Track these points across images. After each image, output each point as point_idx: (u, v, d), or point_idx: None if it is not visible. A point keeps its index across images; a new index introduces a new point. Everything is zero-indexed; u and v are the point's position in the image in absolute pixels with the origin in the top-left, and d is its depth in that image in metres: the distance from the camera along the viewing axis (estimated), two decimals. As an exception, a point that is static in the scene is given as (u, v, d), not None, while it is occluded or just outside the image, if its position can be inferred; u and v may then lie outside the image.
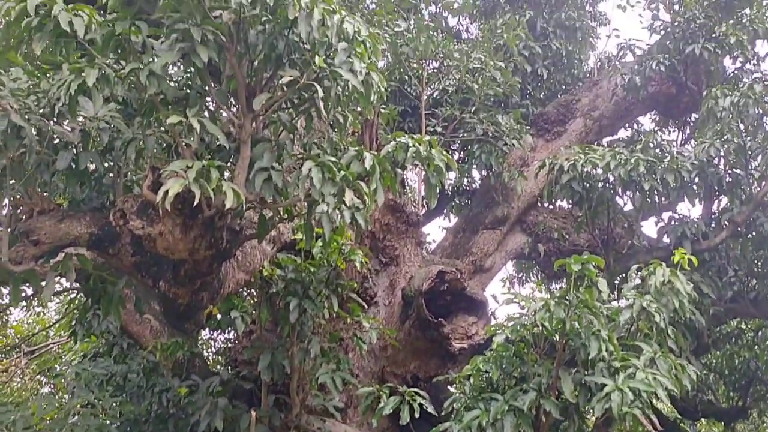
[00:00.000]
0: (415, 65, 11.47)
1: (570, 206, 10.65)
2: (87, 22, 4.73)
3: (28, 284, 6.33)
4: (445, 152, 5.65)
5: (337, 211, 5.22)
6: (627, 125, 12.24)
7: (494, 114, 10.44)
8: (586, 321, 5.74)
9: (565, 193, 9.12)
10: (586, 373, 5.70)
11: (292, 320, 6.72)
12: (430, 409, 6.24)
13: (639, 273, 6.57)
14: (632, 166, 8.50)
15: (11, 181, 5.55)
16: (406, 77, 11.40)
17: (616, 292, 8.86)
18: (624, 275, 9.23)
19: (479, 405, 5.91)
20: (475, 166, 10.91)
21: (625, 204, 9.88)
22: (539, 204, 10.97)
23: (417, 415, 6.22)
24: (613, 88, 11.00)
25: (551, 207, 10.97)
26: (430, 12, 13.66)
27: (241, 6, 4.90)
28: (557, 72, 11.88)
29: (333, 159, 5.21)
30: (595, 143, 10.64)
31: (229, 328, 11.39)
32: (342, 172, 5.11)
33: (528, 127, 10.81)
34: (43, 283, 5.63)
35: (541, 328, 5.86)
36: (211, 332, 12.75)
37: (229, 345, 12.78)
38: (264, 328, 7.61)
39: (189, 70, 5.53)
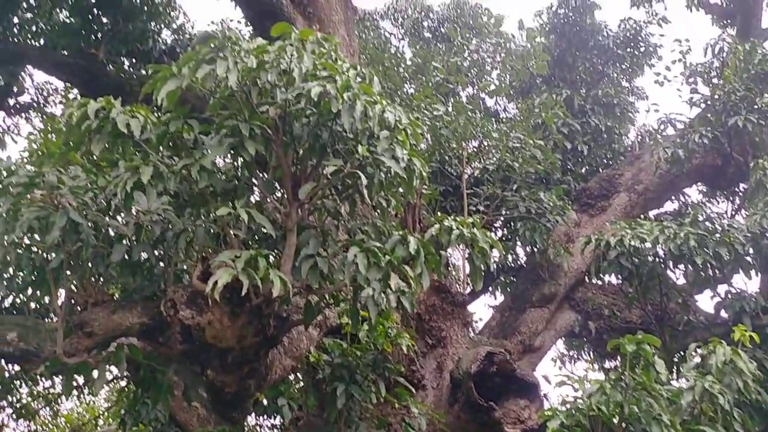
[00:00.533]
0: (454, 146, 11.67)
1: (619, 282, 10.41)
2: (143, 122, 5.02)
3: (80, 375, 6.45)
4: (489, 233, 5.65)
5: (383, 295, 5.23)
6: (673, 198, 12.07)
7: (536, 191, 10.45)
8: (645, 404, 5.50)
9: (613, 269, 8.94)
10: (648, 459, 5.41)
11: (339, 406, 6.62)
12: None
13: (698, 352, 6.32)
14: (682, 240, 8.31)
15: (68, 273, 5.76)
16: (447, 158, 11.57)
17: (674, 372, 8.49)
18: (682, 353, 8.87)
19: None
20: (519, 243, 10.84)
21: (677, 278, 9.60)
22: (587, 280, 10.75)
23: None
24: (656, 161, 10.92)
25: (600, 283, 10.74)
26: (468, 94, 13.99)
27: (287, 101, 5.12)
28: (597, 147, 11.91)
29: (377, 244, 5.26)
30: (641, 217, 10.47)
31: (276, 415, 11.27)
32: (387, 257, 5.15)
33: (571, 203, 10.75)
34: (95, 374, 5.72)
35: (597, 412, 5.63)
36: (258, 418, 12.61)
37: (277, 432, 12.60)
38: (311, 414, 7.50)
39: (237, 163, 5.74)
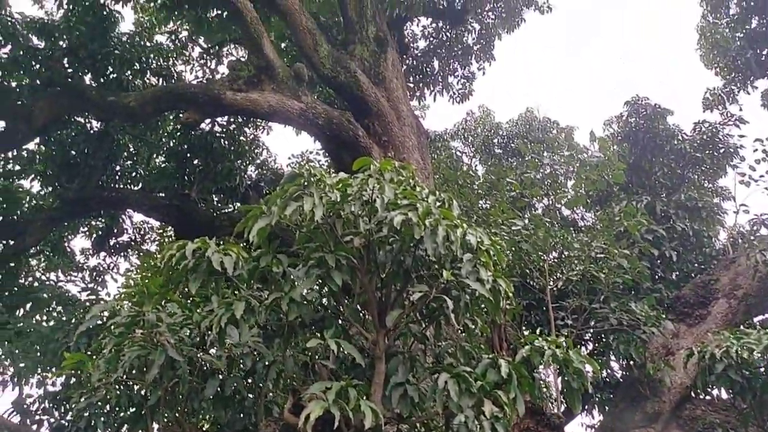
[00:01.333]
0: (535, 258, 11.51)
1: (731, 396, 9.61)
2: (235, 259, 5.26)
3: None
4: (582, 353, 5.43)
5: (476, 422, 5.03)
6: (776, 303, 11.29)
7: (626, 301, 10.04)
8: None
9: (722, 383, 8.27)
10: None
11: None
12: None
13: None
14: (795, 347, 7.67)
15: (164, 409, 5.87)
16: (528, 271, 11.39)
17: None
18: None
19: None
20: (613, 357, 10.30)
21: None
22: (694, 395, 9.98)
23: None
24: (753, 264, 10.35)
25: (709, 398, 9.95)
26: (544, 205, 13.97)
27: (370, 230, 5.28)
28: (687, 252, 11.46)
29: (468, 369, 5.15)
30: (745, 324, 9.81)
31: None
32: (478, 383, 5.01)
33: (665, 313, 10.24)
34: None
35: None
36: None
37: None
38: None
39: (323, 292, 5.85)
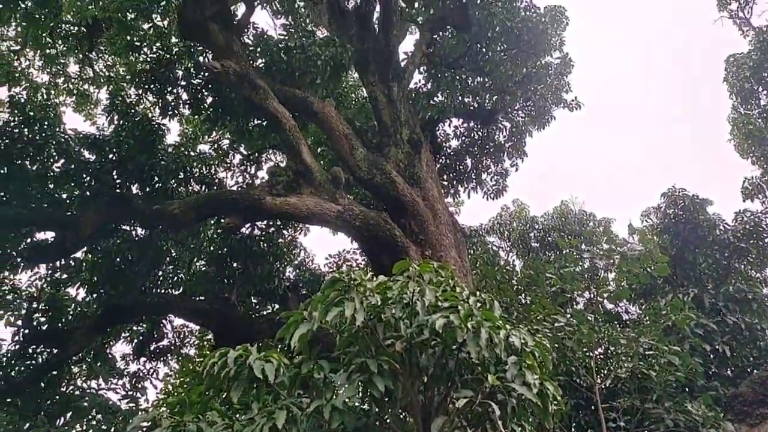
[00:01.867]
0: (580, 355, 11.13)
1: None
2: (276, 366, 5.21)
3: None
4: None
5: None
6: None
7: (681, 401, 9.56)
8: None
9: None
10: None
11: None
12: None
13: None
14: None
15: None
16: (573, 368, 10.99)
17: None
18: None
19: None
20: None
21: None
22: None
23: None
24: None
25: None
26: (585, 299, 13.67)
27: (411, 334, 5.21)
28: (740, 347, 10.97)
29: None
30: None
31: None
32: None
33: (723, 413, 9.68)
34: None
35: None
36: None
37: None
38: None
39: (365, 399, 5.72)
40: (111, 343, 12.31)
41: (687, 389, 10.20)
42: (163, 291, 12.29)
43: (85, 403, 9.34)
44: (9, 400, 9.67)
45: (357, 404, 6.07)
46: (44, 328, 10.30)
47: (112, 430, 9.25)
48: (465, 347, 5.08)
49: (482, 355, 4.97)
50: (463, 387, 5.19)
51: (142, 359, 12.94)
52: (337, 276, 5.27)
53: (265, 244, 12.82)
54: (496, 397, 5.14)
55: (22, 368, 9.94)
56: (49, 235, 10.36)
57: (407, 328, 5.27)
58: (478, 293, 5.83)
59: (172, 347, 13.55)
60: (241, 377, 5.23)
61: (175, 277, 12.68)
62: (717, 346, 10.55)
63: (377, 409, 5.56)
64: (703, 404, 9.54)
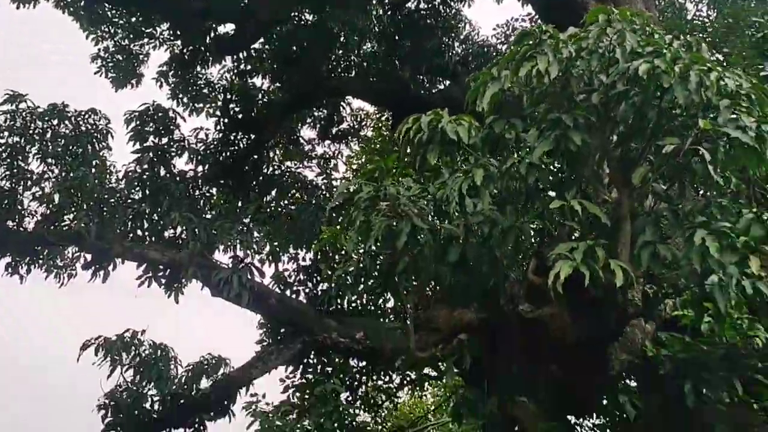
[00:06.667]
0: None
1: None
2: (468, 128, 5.27)
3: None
4: None
5: (736, 281, 4.71)
6: None
7: None
8: None
9: None
10: None
11: (690, 404, 6.11)
12: None
13: None
14: None
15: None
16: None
17: None
18: None
19: None
20: None
21: None
22: None
23: None
24: None
25: None
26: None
27: (608, 85, 4.94)
28: None
29: (727, 224, 4.76)
30: None
31: (602, 417, 10.88)
32: (741, 238, 4.62)
33: None
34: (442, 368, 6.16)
35: None
36: (577, 419, 12.34)
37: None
38: (653, 415, 7.06)
39: (559, 156, 5.69)
40: (299, 128, 13.20)
41: None
42: (339, 74, 12.62)
43: (287, 180, 10.36)
44: (222, 181, 10.99)
45: (551, 162, 6.08)
46: (239, 117, 11.22)
47: (313, 202, 10.29)
48: (668, 94, 4.74)
49: (691, 100, 4.62)
50: (665, 135, 4.94)
51: (327, 142, 13.82)
52: (527, 30, 4.99)
53: (432, 19, 12.41)
54: (704, 145, 4.85)
55: (227, 153, 11.11)
56: (229, 27, 10.80)
57: (604, 79, 4.98)
58: (681, 36, 5.30)
59: (352, 130, 14.24)
60: (435, 140, 5.38)
61: (348, 62, 12.90)
62: None
63: (572, 165, 5.54)
64: None
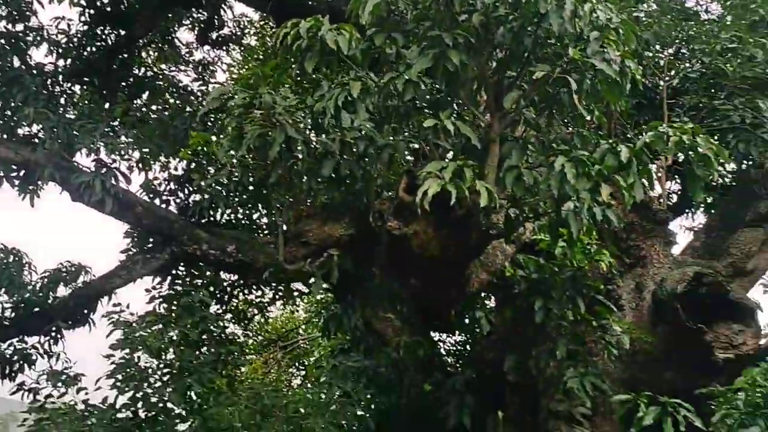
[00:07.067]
0: (650, 54, 10.68)
1: None
2: (349, 38, 5.13)
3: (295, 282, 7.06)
4: (712, 140, 5.15)
5: (589, 207, 5.04)
6: None
7: (753, 98, 9.29)
8: None
9: None
10: None
11: (537, 320, 6.61)
12: (698, 423, 5.70)
13: None
14: None
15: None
16: (642, 65, 10.66)
17: None
18: None
19: (758, 422, 5.27)
20: (729, 157, 9.82)
21: None
22: (813, 197, 9.50)
23: (682, 428, 5.71)
24: None
25: (829, 199, 9.45)
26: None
27: (489, 6, 4.95)
28: (833, 40, 10.21)
29: (586, 153, 5.03)
30: None
31: (461, 332, 11.60)
32: (596, 167, 4.91)
33: (799, 107, 9.43)
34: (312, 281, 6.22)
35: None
36: (441, 335, 13.07)
37: (460, 347, 13.01)
38: (506, 330, 7.58)
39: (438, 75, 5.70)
40: (175, 29, 12.31)
41: (761, 87, 9.82)
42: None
43: (160, 83, 9.71)
44: (86, 78, 10.13)
45: (430, 81, 6.08)
46: (108, 9, 10.29)
47: (188, 109, 9.77)
48: (545, 21, 4.83)
49: (564, 29, 4.74)
50: (539, 63, 5.07)
51: (206, 47, 13.04)
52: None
53: None
54: (572, 75, 5.04)
55: (93, 48, 10.19)
56: None
57: (486, 1, 4.99)
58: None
59: (234, 36, 13.50)
60: (314, 49, 5.21)
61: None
62: (806, 42, 9.83)
63: (450, 86, 5.58)
64: (776, 102, 9.28)
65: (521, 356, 6.88)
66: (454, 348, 13.63)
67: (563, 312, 6.86)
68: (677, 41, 10.61)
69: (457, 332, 11.95)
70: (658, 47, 10.65)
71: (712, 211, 11.43)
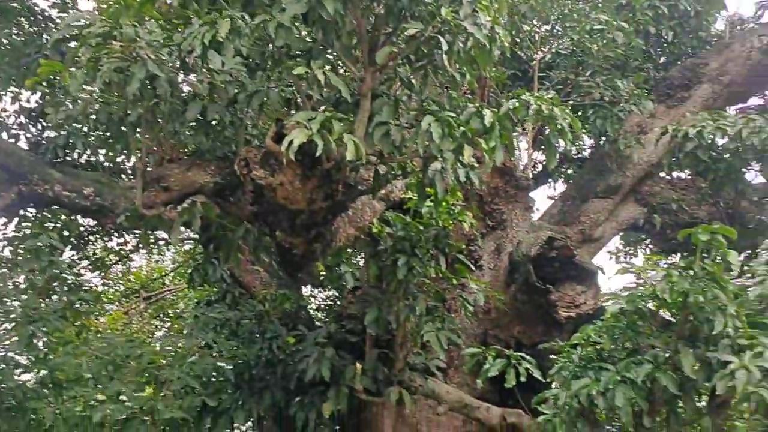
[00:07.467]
0: (527, 27, 11.11)
1: (690, 177, 10.06)
2: (220, -27, 4.87)
3: (156, 230, 6.76)
4: (568, 112, 5.44)
5: (452, 169, 5.19)
6: (760, 93, 11.30)
7: (613, 78, 9.94)
8: (711, 295, 5.41)
9: (687, 163, 8.60)
10: (707, 349, 5.41)
11: (400, 277, 6.78)
12: (537, 375, 6.15)
13: (771, 248, 6.12)
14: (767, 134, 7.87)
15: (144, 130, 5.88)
16: (518, 39, 11.08)
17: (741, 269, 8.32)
18: (751, 252, 8.64)
19: (588, 374, 5.75)
20: (588, 132, 10.50)
21: (755, 177, 9.22)
22: (656, 174, 10.40)
23: (522, 379, 6.15)
24: (747, 50, 10.15)
25: (669, 177, 10.38)
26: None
27: (367, -43, 4.88)
28: (684, 34, 11.08)
29: (452, 115, 5.15)
30: (723, 110, 9.89)
31: (331, 287, 11.73)
32: (461, 128, 5.05)
33: (648, 93, 10.22)
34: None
35: (660, 299, 5.60)
36: (313, 290, 13.18)
37: (330, 302, 13.20)
38: (370, 285, 7.73)
39: (311, 25, 5.57)
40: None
41: (621, 68, 10.52)
42: None
43: (14, 5, 8.75)
44: None
45: (305, 28, 5.93)
46: None
47: (44, 36, 8.92)
48: (422, -21, 4.84)
49: (438, -12, 4.77)
50: (413, 20, 5.09)
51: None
52: None
53: None
54: (445, 37, 5.10)
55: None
56: None
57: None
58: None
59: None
60: (182, -19, 4.90)
61: None
62: (662, 30, 10.61)
63: (324, 36, 5.47)
64: (633, 82, 9.98)
65: (383, 311, 7.06)
66: (326, 303, 13.82)
67: (426, 269, 7.08)
68: (553, 18, 11.09)
69: (328, 287, 12.11)
70: (535, 22, 11.11)
71: (570, 181, 12.23)
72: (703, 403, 6.31)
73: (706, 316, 5.38)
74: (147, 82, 5.20)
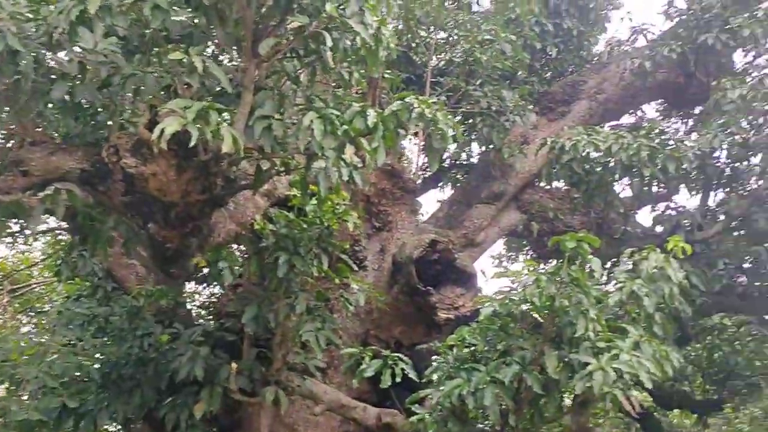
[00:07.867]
0: (423, 33, 11.30)
1: (567, 187, 10.61)
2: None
3: (15, 218, 6.23)
4: (450, 118, 5.54)
5: (335, 168, 5.14)
6: (632, 112, 12.13)
7: (500, 88, 10.30)
8: (575, 299, 5.70)
9: (563, 174, 9.05)
10: (570, 351, 5.69)
11: (280, 275, 6.64)
12: (412, 375, 6.23)
13: (632, 258, 6.53)
14: (634, 151, 8.42)
15: (5, 110, 5.42)
16: (414, 44, 11.26)
17: (605, 277, 8.84)
18: (615, 260, 9.21)
19: (461, 375, 5.90)
20: (475, 139, 10.82)
21: (623, 190, 9.83)
22: (536, 183, 10.89)
23: (398, 380, 6.21)
24: (621, 72, 10.85)
25: (548, 187, 10.90)
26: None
27: (254, -55, 4.74)
28: (566, 52, 11.71)
29: (336, 112, 5.10)
30: (599, 127, 10.51)
31: (215, 283, 11.36)
32: (344, 127, 5.01)
33: (532, 105, 10.68)
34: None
35: (530, 303, 5.83)
36: (196, 286, 12.74)
37: (213, 299, 12.78)
38: (251, 283, 7.54)
39: (193, 10, 5.34)
40: None
41: (509, 80, 10.92)
42: None
43: None
44: None
45: (185, 14, 5.68)
46: None
47: None
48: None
49: (325, -16, 4.71)
50: (300, 13, 4.99)
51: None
52: None
53: None
54: (332, 33, 5.05)
55: None
56: None
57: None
58: None
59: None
60: (49, -49, 4.54)
61: None
62: (547, 47, 11.14)
63: (205, 22, 5.27)
64: (518, 94, 10.38)
65: (263, 309, 6.89)
66: (210, 300, 13.35)
67: (308, 268, 6.99)
68: (451, 26, 11.35)
69: (212, 284, 11.70)
70: (432, 29, 11.32)
71: (458, 186, 12.57)
72: (569, 402, 6.65)
73: (570, 319, 5.65)
74: (8, 55, 4.78)
